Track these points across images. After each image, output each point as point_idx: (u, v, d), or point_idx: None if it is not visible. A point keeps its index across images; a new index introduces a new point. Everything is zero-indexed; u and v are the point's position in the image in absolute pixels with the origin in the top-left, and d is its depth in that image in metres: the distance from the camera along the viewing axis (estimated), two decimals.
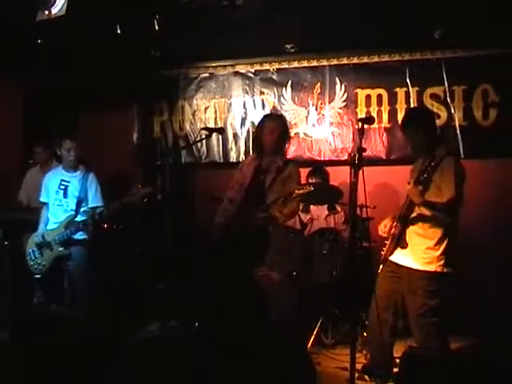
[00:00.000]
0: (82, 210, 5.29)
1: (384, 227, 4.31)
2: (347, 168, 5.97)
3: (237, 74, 6.84)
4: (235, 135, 6.80)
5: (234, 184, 5.06)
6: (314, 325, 5.31)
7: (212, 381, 3.58)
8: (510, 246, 5.71)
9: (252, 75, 6.79)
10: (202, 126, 6.79)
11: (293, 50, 6.40)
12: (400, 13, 5.52)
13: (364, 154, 6.11)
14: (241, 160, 6.64)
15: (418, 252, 4.13)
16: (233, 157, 6.78)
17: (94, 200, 5.36)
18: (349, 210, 3.61)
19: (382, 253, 4.35)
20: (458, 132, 6.07)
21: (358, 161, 3.59)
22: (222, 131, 5.15)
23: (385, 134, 6.27)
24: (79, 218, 5.27)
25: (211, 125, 6.79)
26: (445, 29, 5.78)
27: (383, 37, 5.99)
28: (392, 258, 4.25)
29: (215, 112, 6.87)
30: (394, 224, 4.24)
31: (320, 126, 6.53)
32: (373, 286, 4.27)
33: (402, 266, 4.19)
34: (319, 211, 6.02)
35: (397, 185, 5.91)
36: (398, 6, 5.29)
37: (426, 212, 4.07)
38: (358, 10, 5.39)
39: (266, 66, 6.74)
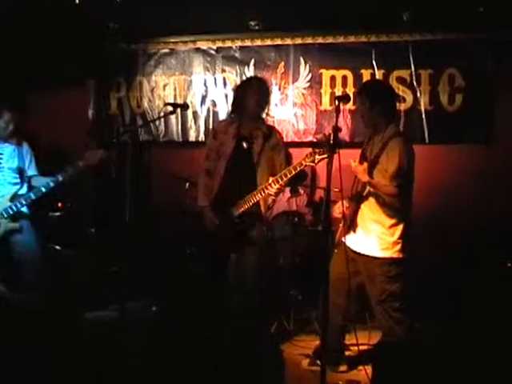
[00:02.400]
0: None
1: (338, 209, 4.14)
2: (309, 150, 6.14)
3: (198, 50, 6.59)
4: (195, 114, 6.56)
5: (209, 153, 4.53)
6: (277, 310, 5.19)
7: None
8: (471, 231, 5.65)
9: (214, 52, 6.55)
10: (161, 103, 6.56)
11: (257, 28, 6.18)
12: None
13: (328, 135, 6.19)
14: (200, 139, 6.48)
15: (374, 238, 4.02)
16: (192, 136, 6.55)
17: (32, 169, 5.10)
18: (325, 193, 3.39)
19: (336, 236, 4.23)
20: (424, 116, 5.98)
21: (334, 141, 3.37)
22: (186, 107, 4.69)
23: (349, 117, 6.14)
24: (24, 190, 4.99)
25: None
26: (413, 11, 5.69)
27: (349, 17, 5.87)
28: (348, 243, 4.11)
29: (175, 89, 6.62)
30: (347, 206, 4.10)
31: (283, 106, 6.36)
32: None
33: (358, 253, 4.07)
34: (281, 193, 5.82)
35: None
36: None
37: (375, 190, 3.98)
38: None
39: (229, 44, 6.50)
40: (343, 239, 4.13)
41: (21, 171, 5.04)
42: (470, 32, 5.87)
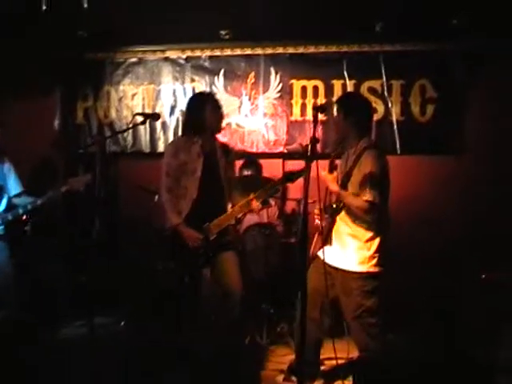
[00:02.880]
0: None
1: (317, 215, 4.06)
2: (280, 161, 6.09)
3: (167, 59, 6.47)
4: (164, 124, 6.42)
5: (169, 170, 4.33)
6: (250, 324, 5.08)
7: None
8: (445, 241, 5.61)
9: (183, 62, 6.43)
10: (129, 113, 6.44)
11: (227, 37, 6.10)
12: (338, 4, 5.36)
13: (299, 146, 6.12)
14: None
15: (350, 252, 3.90)
16: (161, 146, 6.40)
17: (16, 188, 4.88)
18: (302, 204, 3.26)
19: (311, 248, 4.10)
20: (395, 127, 5.94)
21: (311, 152, 3.26)
22: (157, 117, 4.50)
23: (320, 127, 6.01)
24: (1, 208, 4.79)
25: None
26: (385, 22, 5.67)
27: (321, 27, 5.81)
28: (323, 256, 3.99)
29: (143, 99, 6.49)
30: (320, 215, 4.00)
31: (253, 116, 6.26)
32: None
33: (333, 267, 3.96)
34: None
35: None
36: None
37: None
38: None
39: (198, 53, 6.39)
40: (319, 252, 4.02)
41: (0, 189, 4.83)
42: (440, 43, 5.86)
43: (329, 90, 6.07)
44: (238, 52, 6.31)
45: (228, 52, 6.33)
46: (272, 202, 5.74)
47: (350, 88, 6.00)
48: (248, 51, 6.28)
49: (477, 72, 5.83)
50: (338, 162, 4.06)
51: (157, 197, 5.52)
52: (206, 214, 4.23)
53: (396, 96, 5.96)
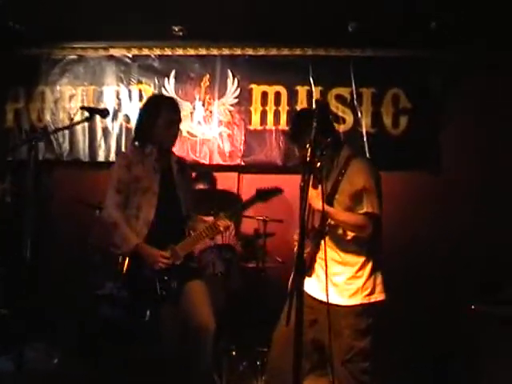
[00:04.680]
0: None
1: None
2: (235, 174, 5.46)
3: (111, 58, 5.78)
4: (105, 130, 5.72)
5: (120, 186, 3.65)
6: None
7: None
8: (412, 260, 5.16)
9: (129, 61, 5.75)
10: (66, 116, 5.74)
11: (181, 34, 5.45)
12: (304, 2, 4.88)
13: (256, 158, 5.51)
14: (111, 160, 5.61)
15: (339, 283, 3.30)
16: (101, 155, 5.70)
17: None
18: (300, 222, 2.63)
19: (290, 280, 3.49)
20: (365, 139, 5.40)
21: (311, 159, 2.64)
22: (106, 113, 3.77)
23: (282, 138, 5.48)
24: None
25: (76, 118, 5.64)
26: (356, 23, 5.15)
27: (284, 28, 5.29)
28: (305, 287, 3.37)
29: (82, 101, 5.76)
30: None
31: (207, 124, 5.63)
32: (273, 317, 3.45)
33: (317, 300, 3.31)
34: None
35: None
36: None
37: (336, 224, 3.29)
38: None
39: (146, 52, 5.74)
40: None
41: None
42: (416, 49, 5.38)
43: (292, 97, 5.53)
44: (192, 52, 5.69)
45: (180, 51, 5.70)
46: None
47: (315, 95, 5.43)
48: (203, 51, 5.67)
49: (455, 82, 5.37)
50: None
51: (98, 212, 4.86)
52: (165, 239, 3.60)
53: (366, 105, 5.44)
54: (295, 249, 3.51)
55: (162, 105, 3.71)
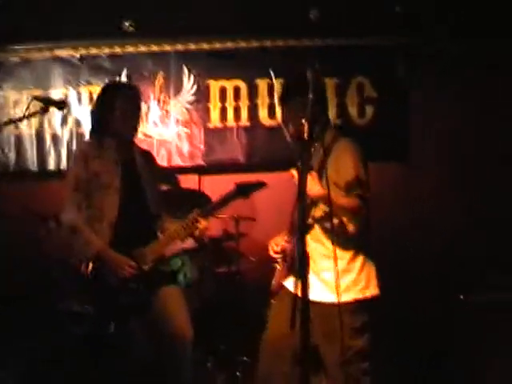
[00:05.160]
0: None
1: (276, 246, 3.20)
2: (196, 177, 5.06)
3: (57, 59, 5.38)
4: (55, 137, 5.32)
5: (78, 183, 3.36)
6: None
7: None
8: (382, 251, 4.79)
9: (77, 61, 5.37)
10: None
11: (131, 29, 5.15)
12: None
13: (218, 157, 5.17)
14: (62, 168, 5.23)
15: (329, 279, 3.02)
16: (51, 164, 5.30)
17: None
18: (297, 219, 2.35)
19: (273, 282, 3.24)
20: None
21: (310, 133, 2.39)
22: (63, 105, 3.42)
23: (244, 135, 5.22)
24: None
25: (22, 125, 5.28)
26: (318, 12, 5.00)
27: (239, 18, 5.07)
28: (291, 287, 3.11)
29: (28, 107, 5.33)
30: (287, 239, 3.12)
31: (163, 124, 5.29)
32: (260, 323, 3.26)
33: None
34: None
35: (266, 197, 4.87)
36: None
37: (326, 210, 2.98)
38: None
39: (95, 51, 5.35)
40: (285, 284, 3.17)
41: None
42: (377, 37, 5.15)
43: (253, 92, 5.24)
44: (143, 49, 5.33)
45: (131, 49, 5.34)
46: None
47: (277, 88, 5.15)
48: (155, 48, 5.33)
49: (424, 69, 5.17)
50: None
51: (52, 224, 4.49)
52: (132, 241, 3.30)
53: (331, 96, 5.09)
54: (272, 252, 3.25)
55: (118, 94, 3.40)
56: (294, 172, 2.90)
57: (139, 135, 5.05)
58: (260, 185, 3.42)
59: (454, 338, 4.18)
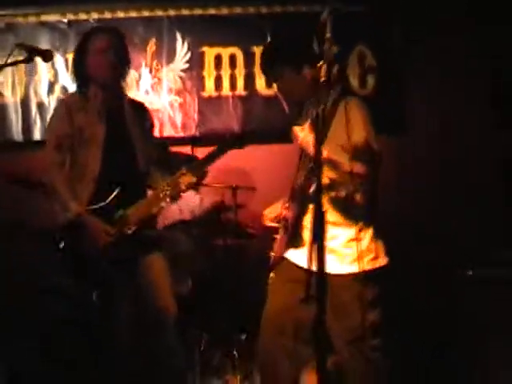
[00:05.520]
0: None
1: (271, 213, 2.98)
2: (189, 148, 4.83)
3: (44, 25, 5.12)
4: (41, 105, 5.04)
5: (60, 141, 3.13)
6: None
7: None
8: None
9: (64, 27, 5.10)
10: None
11: None
12: None
13: (213, 127, 4.94)
14: None
15: (337, 248, 2.83)
16: (37, 134, 5.02)
17: None
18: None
19: (272, 254, 3.01)
20: None
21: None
22: (49, 56, 3.14)
23: (240, 105, 5.00)
24: None
25: (7, 93, 5.04)
26: None
27: None
28: (293, 259, 2.92)
29: (12, 74, 5.07)
30: (286, 206, 2.90)
31: (155, 93, 5.04)
32: (258, 298, 3.08)
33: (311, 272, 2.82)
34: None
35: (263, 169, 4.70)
36: None
37: (332, 176, 2.76)
38: None
39: (83, 16, 5.08)
40: (285, 255, 2.97)
41: None
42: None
43: (249, 60, 5.01)
44: (134, 14, 5.08)
45: (121, 14, 5.10)
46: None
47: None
48: (146, 13, 5.08)
49: (418, 38, 4.99)
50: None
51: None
52: (118, 199, 3.07)
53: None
54: (267, 220, 3.06)
55: (91, 37, 3.18)
56: (298, 130, 2.70)
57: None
58: (251, 136, 3.38)
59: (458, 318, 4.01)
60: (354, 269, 2.80)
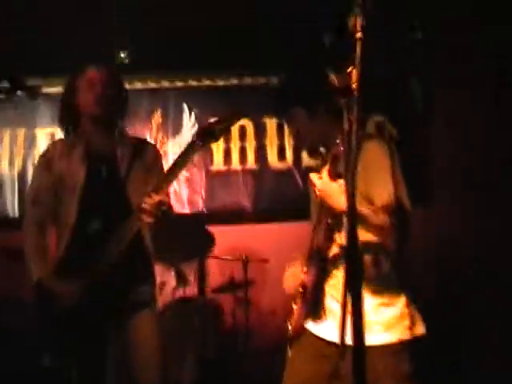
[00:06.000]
0: None
1: (293, 280, 2.56)
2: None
3: (45, 96, 4.90)
4: None
5: (38, 194, 2.84)
6: None
7: None
8: None
9: None
10: None
11: (127, 61, 4.79)
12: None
13: (221, 204, 4.69)
14: None
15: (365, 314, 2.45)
16: None
17: None
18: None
19: (289, 326, 2.58)
20: None
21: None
22: (35, 92, 2.83)
23: (250, 179, 4.79)
24: None
25: (4, 166, 4.84)
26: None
27: (244, 55, 4.71)
28: (316, 331, 2.51)
29: (11, 146, 4.90)
30: (305, 271, 2.52)
31: None
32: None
33: (336, 345, 2.30)
34: None
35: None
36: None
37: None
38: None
39: None
40: (306, 325, 2.56)
41: None
42: None
43: (260, 131, 4.86)
44: (139, 86, 4.94)
45: (127, 86, 4.89)
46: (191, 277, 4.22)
47: (287, 128, 4.70)
48: (152, 84, 4.94)
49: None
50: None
51: None
52: (91, 246, 2.68)
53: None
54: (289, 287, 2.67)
55: (79, 74, 2.86)
56: (315, 177, 2.34)
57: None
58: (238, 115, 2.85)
59: None
60: (387, 338, 2.42)
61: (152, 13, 4.51)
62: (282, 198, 4.67)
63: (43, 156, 2.93)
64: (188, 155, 2.62)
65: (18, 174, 4.84)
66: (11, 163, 4.90)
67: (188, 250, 4.13)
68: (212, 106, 4.85)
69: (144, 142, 3.14)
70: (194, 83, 4.94)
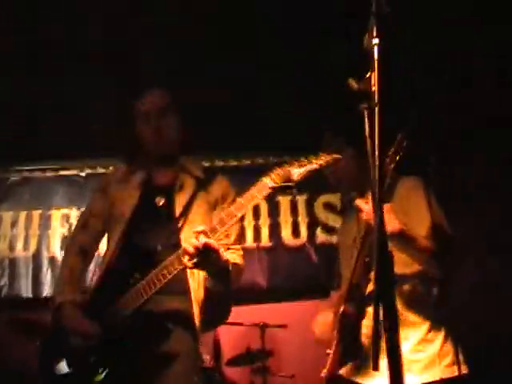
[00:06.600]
0: None
1: (323, 325, 2.55)
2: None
3: (60, 178, 5.04)
4: (52, 260, 4.80)
5: (88, 219, 2.72)
6: None
7: None
8: None
9: (81, 180, 5.02)
10: (6, 246, 4.83)
11: None
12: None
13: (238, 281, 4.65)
14: None
15: (403, 353, 2.35)
16: (47, 290, 4.73)
17: None
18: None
19: (324, 372, 2.49)
20: None
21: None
22: None
23: (265, 257, 4.76)
24: None
25: (19, 247, 4.83)
26: None
27: (255, 134, 4.74)
28: (354, 378, 2.44)
29: (26, 228, 4.90)
30: (341, 311, 2.42)
31: None
32: None
33: None
34: None
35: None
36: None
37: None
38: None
39: (101, 170, 4.99)
40: (342, 373, 2.47)
41: None
42: None
43: (273, 209, 4.87)
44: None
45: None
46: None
47: (300, 205, 4.85)
48: None
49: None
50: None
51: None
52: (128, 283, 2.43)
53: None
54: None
55: (136, 104, 2.72)
56: (362, 203, 2.29)
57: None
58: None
59: None
60: (426, 378, 2.33)
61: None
62: (296, 276, 4.66)
63: (100, 181, 2.90)
64: (254, 194, 2.43)
65: (33, 256, 4.82)
66: (26, 244, 4.87)
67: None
68: None
69: (212, 172, 2.89)
70: (206, 164, 4.89)
